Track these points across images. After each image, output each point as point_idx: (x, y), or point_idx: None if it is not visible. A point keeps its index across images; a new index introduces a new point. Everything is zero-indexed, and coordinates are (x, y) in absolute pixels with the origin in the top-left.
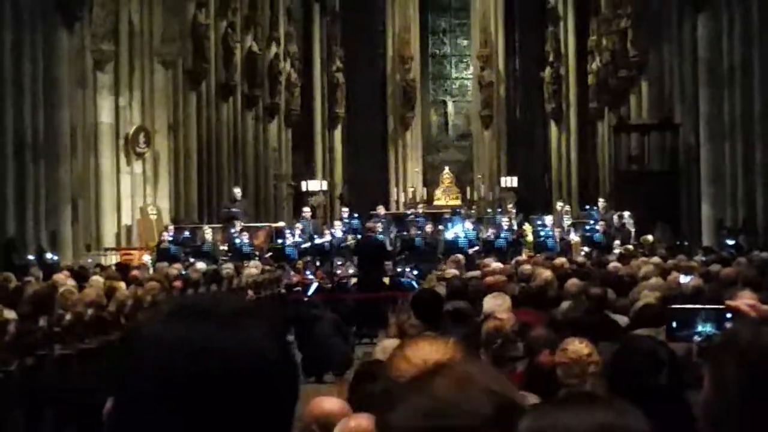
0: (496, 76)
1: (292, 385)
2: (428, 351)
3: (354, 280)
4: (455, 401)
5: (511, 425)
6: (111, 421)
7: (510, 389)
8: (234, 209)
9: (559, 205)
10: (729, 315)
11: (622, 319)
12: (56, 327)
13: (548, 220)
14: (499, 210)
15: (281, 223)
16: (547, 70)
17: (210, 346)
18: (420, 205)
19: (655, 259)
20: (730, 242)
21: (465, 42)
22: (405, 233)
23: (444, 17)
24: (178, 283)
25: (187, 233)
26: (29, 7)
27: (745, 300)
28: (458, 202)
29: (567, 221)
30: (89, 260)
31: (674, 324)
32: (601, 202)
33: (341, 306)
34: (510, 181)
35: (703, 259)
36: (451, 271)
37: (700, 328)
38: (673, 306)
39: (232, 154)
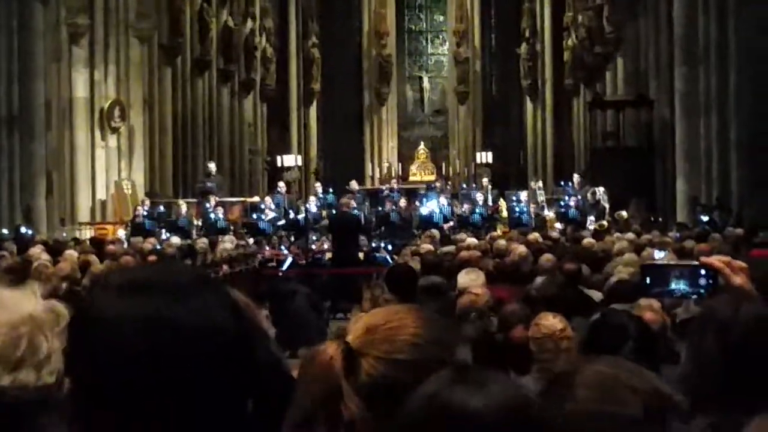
0: (472, 52)
1: (248, 355)
2: (373, 317)
3: (329, 255)
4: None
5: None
6: (71, 399)
7: (657, 383)
8: (209, 184)
9: (533, 183)
10: (703, 272)
11: (596, 295)
12: None
13: (523, 195)
14: (474, 186)
15: (256, 198)
16: (523, 46)
17: (164, 321)
18: (395, 181)
19: (630, 235)
20: (705, 218)
21: (441, 18)
22: (380, 209)
23: None
24: (152, 258)
25: (161, 208)
26: None
27: (718, 256)
28: (433, 178)
29: (541, 197)
30: (64, 234)
31: (648, 280)
32: (576, 178)
33: (316, 281)
34: (485, 157)
35: (677, 235)
36: (426, 246)
37: (674, 286)
38: (647, 263)
39: (207, 129)
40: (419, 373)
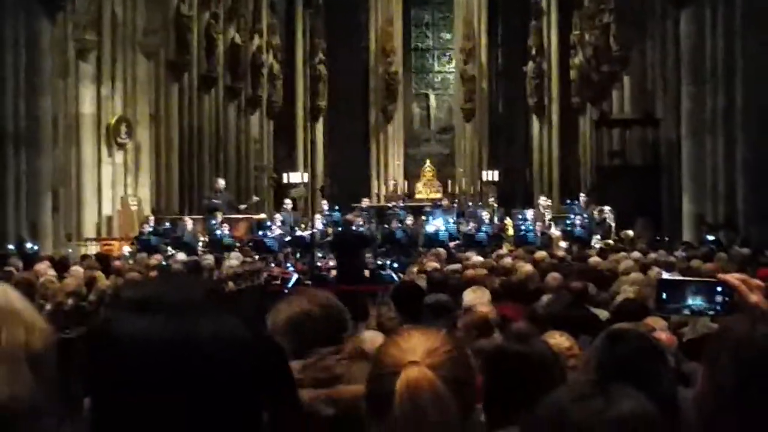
0: (478, 69)
1: (270, 369)
2: (419, 341)
3: (334, 273)
4: None
5: None
6: (93, 418)
7: None
8: (216, 200)
9: (541, 199)
10: (719, 289)
11: (603, 313)
12: None
13: (529, 214)
14: (480, 204)
15: (262, 215)
16: (530, 65)
17: (181, 338)
18: (401, 199)
19: (635, 254)
20: (711, 238)
21: (448, 35)
22: (386, 226)
23: (427, 10)
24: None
25: (167, 224)
26: None
27: (735, 274)
28: (439, 196)
29: (548, 215)
30: (69, 250)
31: (664, 295)
32: (582, 196)
33: None
34: (491, 175)
35: (684, 254)
36: (432, 264)
37: (690, 301)
38: (664, 278)
39: (214, 145)
40: (458, 390)
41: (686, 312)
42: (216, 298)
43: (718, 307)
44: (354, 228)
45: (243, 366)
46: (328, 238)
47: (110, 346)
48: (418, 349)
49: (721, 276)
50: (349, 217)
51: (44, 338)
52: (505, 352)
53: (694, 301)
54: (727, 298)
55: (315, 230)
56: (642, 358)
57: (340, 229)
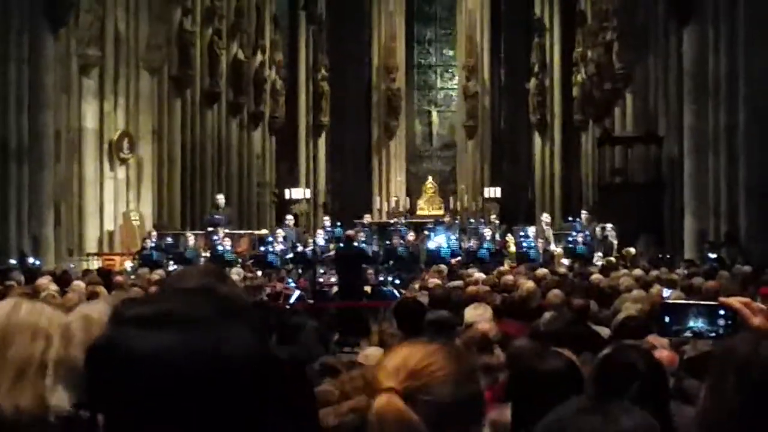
0: (481, 86)
1: (280, 382)
2: (407, 359)
3: (336, 289)
4: None
5: None
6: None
7: None
8: (217, 216)
9: (543, 216)
10: (722, 312)
11: (605, 331)
12: None
13: (531, 231)
14: (482, 220)
15: (264, 231)
16: (532, 81)
17: (195, 353)
18: (403, 215)
19: (637, 272)
20: (713, 255)
21: (450, 52)
22: (388, 242)
23: (430, 27)
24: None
25: (169, 239)
26: (16, 12)
27: (738, 298)
28: (441, 212)
29: (550, 232)
30: (71, 265)
31: (667, 319)
32: (584, 213)
33: (323, 314)
34: (493, 192)
35: (685, 272)
36: (434, 281)
37: (692, 324)
38: (666, 302)
39: (216, 160)
40: (459, 411)
41: (688, 335)
42: (224, 312)
43: (721, 330)
44: (356, 244)
45: (266, 383)
46: (330, 254)
47: (113, 363)
48: (401, 371)
49: (723, 300)
50: (351, 232)
51: (66, 347)
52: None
53: (696, 323)
54: (729, 321)
55: (317, 246)
56: (636, 376)
57: (341, 245)
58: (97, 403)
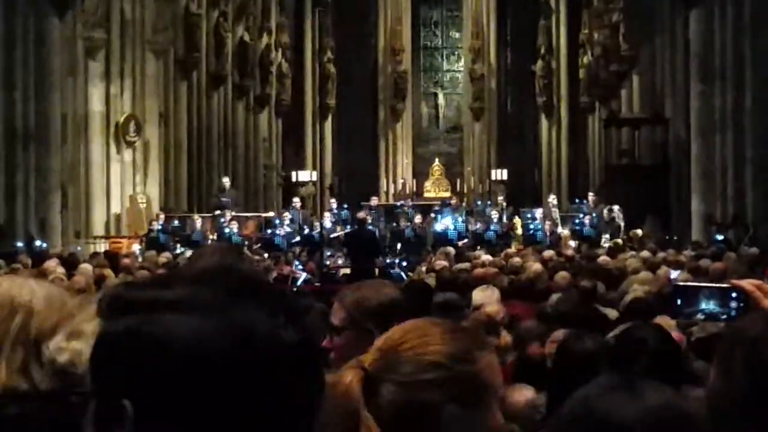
0: (487, 68)
1: (312, 366)
2: (394, 331)
3: (343, 272)
4: None
5: None
6: (137, 421)
7: None
8: (224, 199)
9: (550, 198)
10: (734, 294)
11: (612, 313)
12: None
13: (538, 213)
14: (489, 202)
15: (271, 213)
16: (539, 64)
17: (228, 334)
18: (410, 198)
19: (644, 253)
20: (720, 237)
21: (457, 34)
22: (395, 225)
23: (436, 9)
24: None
25: (176, 222)
26: None
27: (750, 280)
28: (448, 194)
29: (557, 214)
30: (78, 248)
31: (679, 301)
32: (591, 195)
33: (330, 297)
34: (500, 174)
35: (693, 253)
36: (441, 263)
37: (703, 306)
38: (678, 284)
39: (222, 143)
40: (447, 391)
41: (700, 317)
42: (241, 294)
43: (733, 313)
44: (366, 227)
45: (281, 364)
46: (338, 234)
47: (144, 348)
48: (375, 350)
49: (735, 282)
50: (363, 215)
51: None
52: None
53: (708, 305)
54: (741, 304)
55: (324, 229)
56: (646, 353)
57: (354, 227)
58: (120, 391)
